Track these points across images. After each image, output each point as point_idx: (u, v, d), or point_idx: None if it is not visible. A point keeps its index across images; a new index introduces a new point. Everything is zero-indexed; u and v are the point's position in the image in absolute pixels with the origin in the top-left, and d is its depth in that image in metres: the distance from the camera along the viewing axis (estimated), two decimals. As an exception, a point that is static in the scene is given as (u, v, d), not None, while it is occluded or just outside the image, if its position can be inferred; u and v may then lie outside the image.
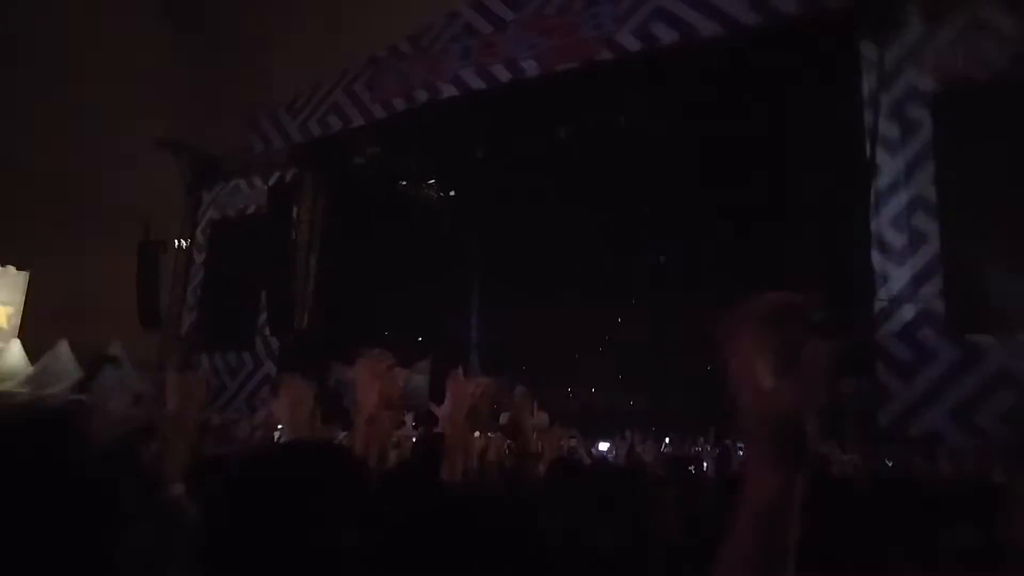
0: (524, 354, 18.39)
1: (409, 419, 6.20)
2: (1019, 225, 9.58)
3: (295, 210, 17.53)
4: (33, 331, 19.58)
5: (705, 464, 7.98)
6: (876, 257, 11.40)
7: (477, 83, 14.84)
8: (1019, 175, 9.85)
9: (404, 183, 18.29)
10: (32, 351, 15.69)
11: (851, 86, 11.76)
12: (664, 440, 11.06)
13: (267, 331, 17.57)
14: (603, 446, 9.51)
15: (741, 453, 7.95)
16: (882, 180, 11.58)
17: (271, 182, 18.56)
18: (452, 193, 19.17)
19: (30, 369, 14.56)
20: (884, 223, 11.48)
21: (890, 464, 7.27)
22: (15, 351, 16.38)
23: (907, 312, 11.01)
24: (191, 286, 20.00)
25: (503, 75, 14.57)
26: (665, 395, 14.82)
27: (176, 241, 20.31)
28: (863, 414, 11.42)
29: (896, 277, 11.23)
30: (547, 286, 18.05)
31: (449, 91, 15.15)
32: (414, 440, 4.27)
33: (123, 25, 25.44)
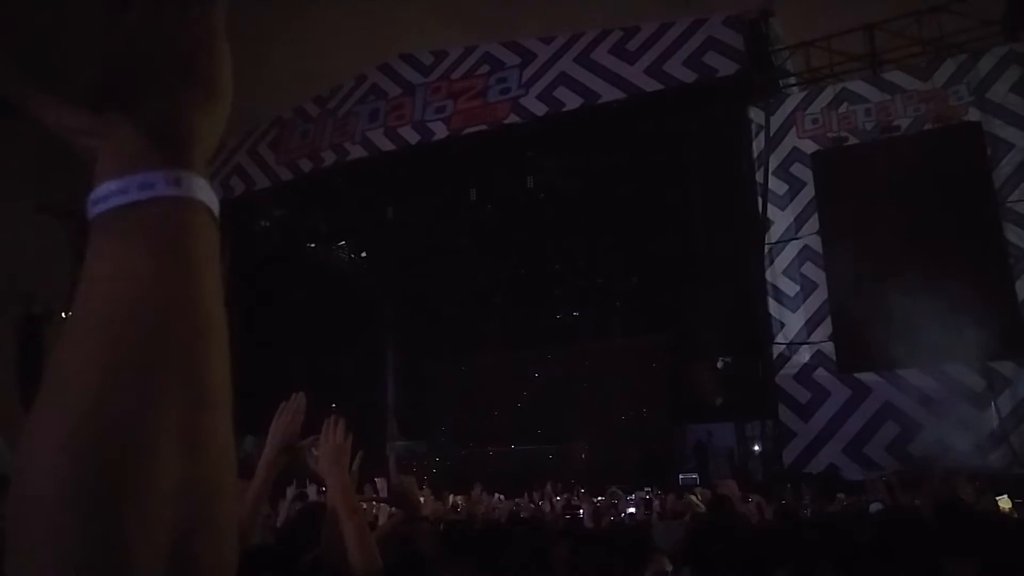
0: (443, 415, 18.25)
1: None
2: (893, 269, 10.43)
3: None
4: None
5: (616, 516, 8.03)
6: (773, 305, 12.09)
7: (386, 144, 15.03)
8: (889, 224, 10.81)
9: (312, 245, 18.10)
10: None
11: (742, 147, 12.62)
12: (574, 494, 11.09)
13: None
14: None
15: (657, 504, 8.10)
16: (774, 233, 12.38)
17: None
18: (363, 254, 19.09)
19: None
20: (778, 273, 12.24)
21: (783, 502, 7.57)
22: None
23: (803, 355, 11.68)
24: (84, 360, 18.78)
25: (412, 137, 14.83)
26: (584, 447, 14.95)
27: (63, 313, 19.13)
28: (768, 455, 11.93)
29: (791, 323, 11.93)
30: (462, 345, 18.08)
31: (357, 152, 15.26)
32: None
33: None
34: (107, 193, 0.51)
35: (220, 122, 0.57)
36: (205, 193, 0.53)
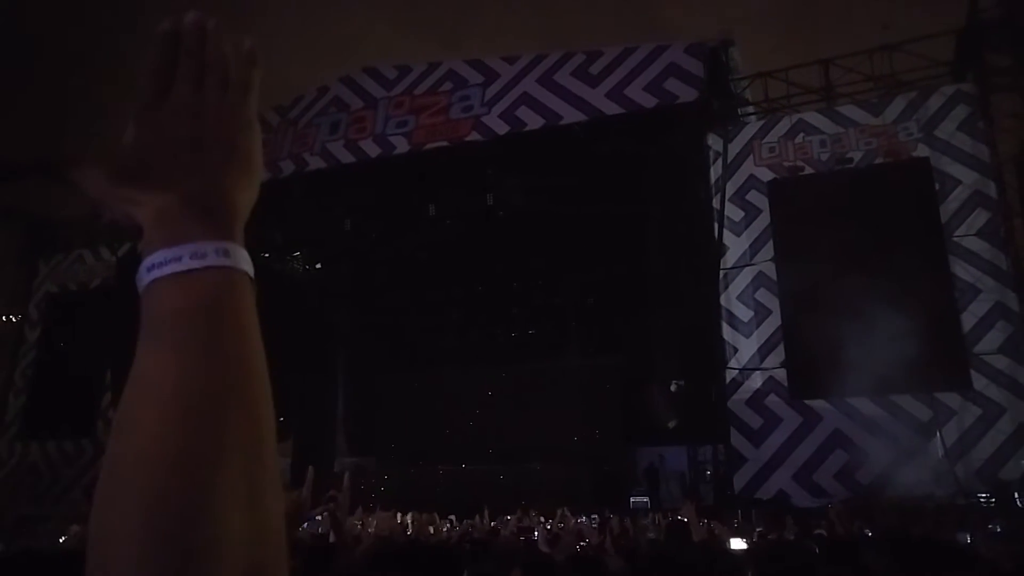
0: (393, 431, 17.94)
1: None
2: (844, 298, 10.64)
3: (147, 282, 16.43)
4: None
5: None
6: (726, 330, 12.22)
7: (346, 156, 14.84)
8: (841, 254, 11.04)
9: (267, 255, 17.72)
10: None
11: (700, 173, 12.79)
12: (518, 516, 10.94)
13: (112, 414, 16.12)
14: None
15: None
16: (729, 258, 12.55)
17: (120, 253, 17.41)
18: (318, 266, 18.76)
19: None
20: (732, 298, 12.39)
21: (736, 525, 7.59)
22: None
23: (755, 381, 11.80)
24: (20, 367, 18.11)
25: (372, 150, 14.68)
26: (535, 467, 14.81)
27: (3, 316, 18.43)
28: (719, 480, 11.98)
29: (744, 348, 12.06)
30: (416, 361, 17.84)
31: (316, 163, 15.04)
32: None
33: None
34: (162, 260, 0.55)
35: (255, 196, 0.62)
36: (247, 263, 0.58)
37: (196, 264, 0.54)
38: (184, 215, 0.57)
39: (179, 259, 0.55)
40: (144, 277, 0.56)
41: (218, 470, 0.48)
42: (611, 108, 13.04)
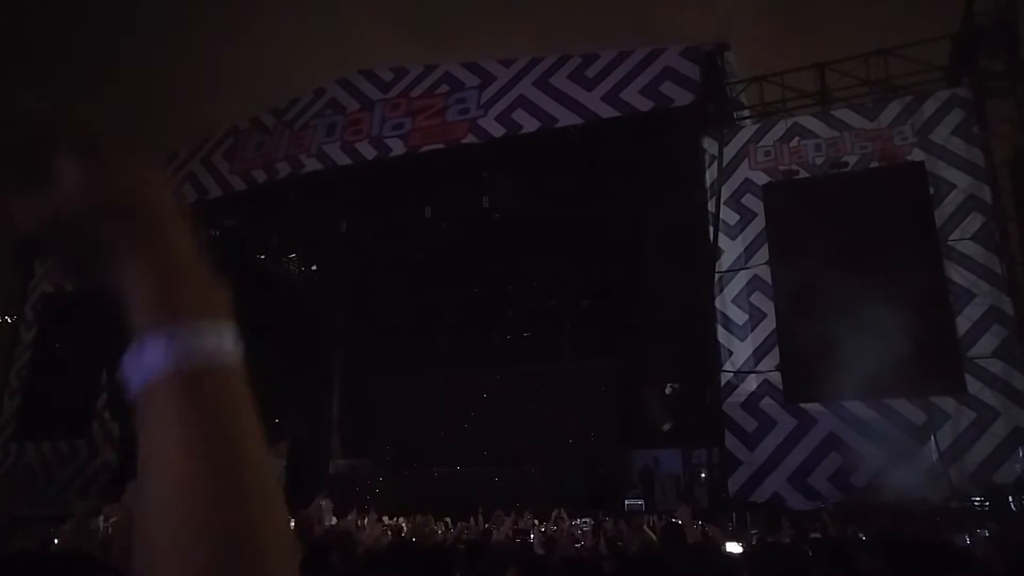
0: (388, 433, 17.92)
1: None
2: (839, 302, 10.66)
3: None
4: None
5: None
6: (721, 333, 12.23)
7: (342, 158, 14.84)
8: (836, 258, 11.06)
9: (263, 256, 17.70)
10: None
11: (695, 176, 12.81)
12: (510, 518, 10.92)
13: (107, 415, 16.07)
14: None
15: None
16: (724, 262, 12.57)
17: (116, 254, 17.34)
18: (314, 268, 18.75)
19: None
20: (727, 301, 12.41)
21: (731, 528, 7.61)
22: None
23: (750, 384, 11.82)
24: (15, 367, 18.07)
25: (369, 152, 14.67)
26: (530, 470, 14.80)
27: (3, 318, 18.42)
28: (714, 483, 11.99)
29: (739, 351, 12.08)
30: (411, 363, 17.84)
31: (313, 165, 15.03)
32: None
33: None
34: (181, 340, 0.56)
35: None
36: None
37: (214, 350, 0.57)
38: (196, 284, 0.59)
39: (198, 338, 0.57)
40: (166, 354, 0.56)
41: (257, 543, 0.52)
42: (607, 111, 13.07)
